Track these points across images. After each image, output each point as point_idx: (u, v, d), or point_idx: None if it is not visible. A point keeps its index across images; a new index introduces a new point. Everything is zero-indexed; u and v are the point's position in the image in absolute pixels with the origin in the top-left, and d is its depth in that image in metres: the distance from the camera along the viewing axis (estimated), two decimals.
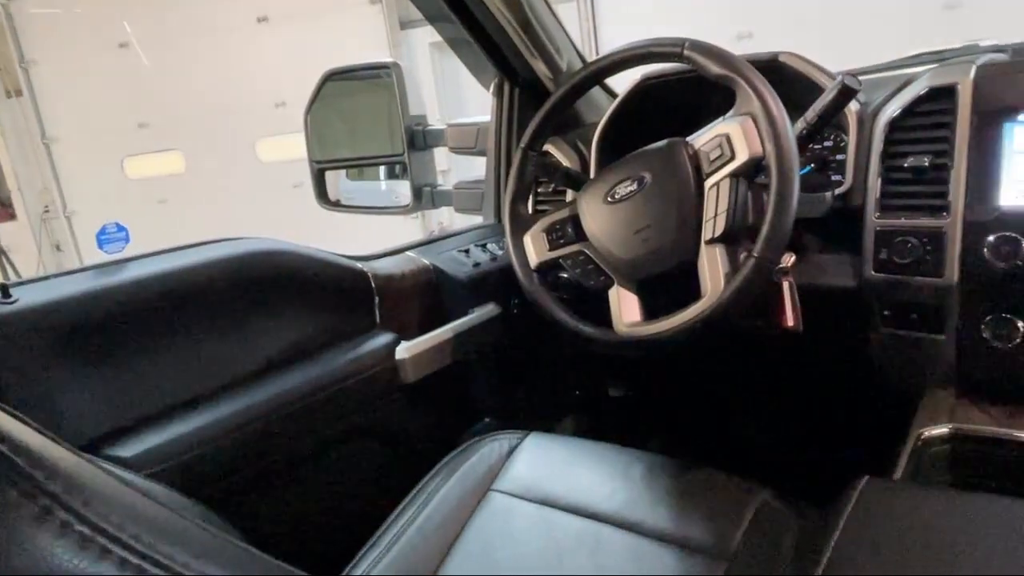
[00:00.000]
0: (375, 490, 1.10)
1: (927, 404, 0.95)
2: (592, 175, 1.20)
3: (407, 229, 4.25)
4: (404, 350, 1.10)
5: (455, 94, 4.15)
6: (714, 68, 0.85)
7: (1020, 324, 0.88)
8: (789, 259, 0.90)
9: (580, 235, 0.98)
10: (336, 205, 1.55)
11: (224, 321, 0.93)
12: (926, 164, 0.91)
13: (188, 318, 0.89)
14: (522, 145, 1.03)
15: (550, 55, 1.29)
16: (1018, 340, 0.88)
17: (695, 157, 0.89)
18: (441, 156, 1.59)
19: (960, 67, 0.93)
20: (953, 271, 0.90)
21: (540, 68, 1.31)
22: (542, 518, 0.89)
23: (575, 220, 0.99)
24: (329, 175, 1.54)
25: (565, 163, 1.23)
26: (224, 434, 0.87)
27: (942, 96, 0.92)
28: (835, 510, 0.62)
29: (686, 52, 0.88)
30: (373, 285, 1.12)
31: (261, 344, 0.96)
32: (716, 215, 0.84)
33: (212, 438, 0.85)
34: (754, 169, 0.84)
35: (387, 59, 1.50)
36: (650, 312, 0.91)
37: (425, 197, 1.46)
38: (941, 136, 0.92)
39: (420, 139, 1.44)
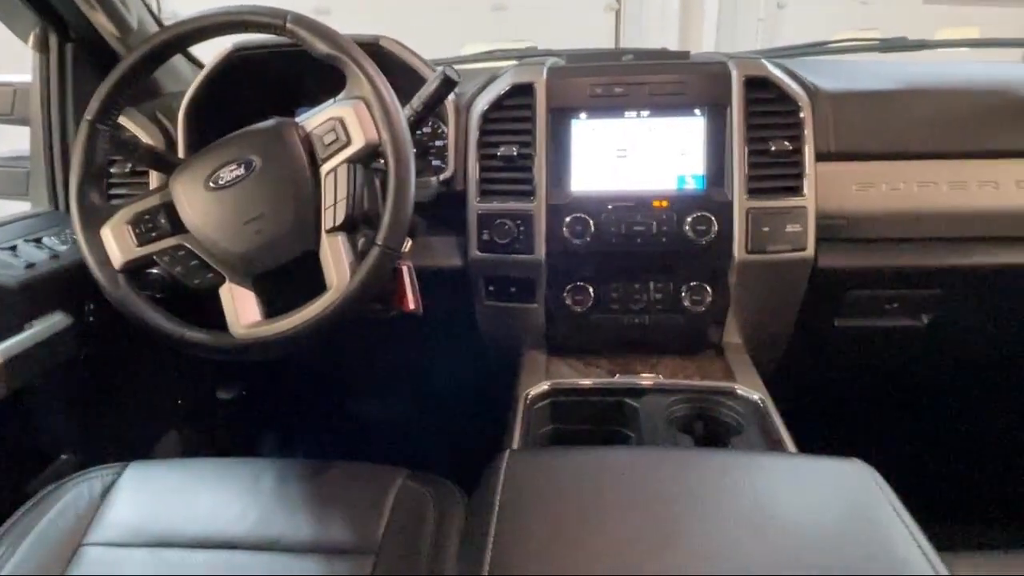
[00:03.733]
0: None
1: (527, 365, 1.07)
2: (182, 155, 1.04)
3: None
4: None
5: None
6: (321, 47, 0.80)
7: (591, 290, 1.06)
8: (407, 244, 0.92)
9: (177, 226, 0.84)
10: None
11: None
12: (515, 153, 1.02)
13: None
14: (88, 117, 0.84)
15: (113, 7, 1.07)
16: (590, 304, 1.06)
17: (307, 140, 0.83)
18: None
19: (535, 68, 1.06)
20: (541, 248, 1.03)
21: (100, 22, 1.07)
22: (157, 563, 0.75)
23: (169, 209, 0.84)
24: None
25: (146, 140, 1.05)
26: None
27: (523, 93, 1.03)
28: (488, 486, 0.65)
29: (289, 26, 0.81)
30: None
31: None
32: (336, 203, 0.80)
33: None
34: (370, 155, 0.82)
35: None
36: (271, 309, 0.83)
37: None
38: (525, 128, 1.03)
39: None
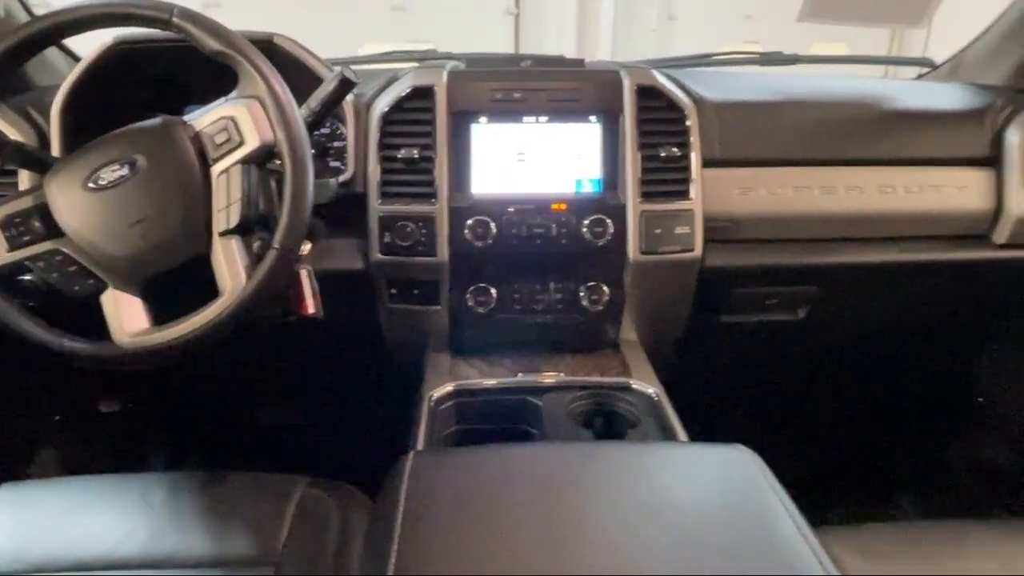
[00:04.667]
0: None
1: (431, 367, 1.07)
2: (56, 153, 0.97)
3: None
4: None
5: None
6: (212, 43, 0.78)
7: (493, 291, 1.07)
8: (306, 247, 0.90)
9: (52, 230, 0.79)
10: None
11: None
12: (416, 156, 1.02)
13: None
14: None
15: None
16: (493, 305, 1.07)
17: (197, 140, 0.80)
18: None
19: (435, 71, 1.06)
20: (444, 251, 1.03)
21: None
22: None
23: (43, 211, 0.79)
24: None
25: (15, 136, 0.97)
26: None
27: (423, 95, 1.04)
28: (392, 488, 0.65)
29: (175, 20, 0.78)
30: None
31: None
32: (229, 205, 0.78)
33: None
34: (265, 155, 0.80)
35: None
36: (160, 316, 0.80)
37: None
38: (426, 131, 1.03)
39: None
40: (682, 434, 0.87)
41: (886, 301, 1.29)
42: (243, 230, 0.79)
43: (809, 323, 1.25)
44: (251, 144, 0.78)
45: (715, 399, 1.39)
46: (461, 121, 1.04)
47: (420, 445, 0.87)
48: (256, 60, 0.78)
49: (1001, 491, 1.41)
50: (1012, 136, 1.14)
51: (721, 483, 0.64)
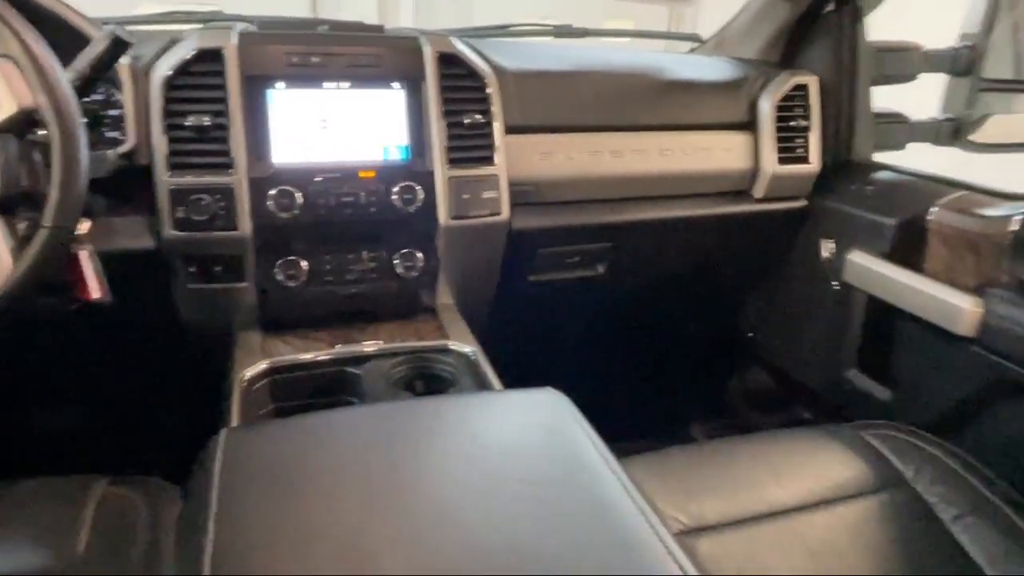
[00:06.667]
0: None
1: (241, 346, 1.03)
2: None
3: None
4: None
5: None
6: None
7: (304, 263, 1.04)
8: (84, 226, 0.81)
9: None
10: None
11: None
12: (207, 124, 0.96)
13: None
14: None
15: None
16: (304, 278, 1.04)
17: None
18: None
19: (223, 32, 0.99)
20: (246, 224, 0.98)
21: None
22: None
23: None
24: None
25: None
26: None
27: (211, 59, 0.97)
28: (205, 472, 0.62)
29: None
30: None
31: None
32: None
33: None
34: (24, 123, 0.71)
35: None
36: None
37: None
38: (217, 97, 0.97)
39: None
40: (498, 386, 0.92)
41: (671, 253, 1.44)
42: (4, 209, 0.70)
43: (608, 277, 1.36)
44: (7, 110, 0.68)
45: (530, 352, 1.47)
46: (256, 86, 0.99)
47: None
48: (5, 14, 0.69)
49: (765, 410, 1.65)
50: (764, 104, 1.32)
51: (533, 424, 0.69)
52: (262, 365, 0.96)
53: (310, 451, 0.64)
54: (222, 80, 0.97)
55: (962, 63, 1.38)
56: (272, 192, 0.98)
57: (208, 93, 0.97)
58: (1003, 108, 1.51)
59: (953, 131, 1.43)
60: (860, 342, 1.29)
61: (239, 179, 0.98)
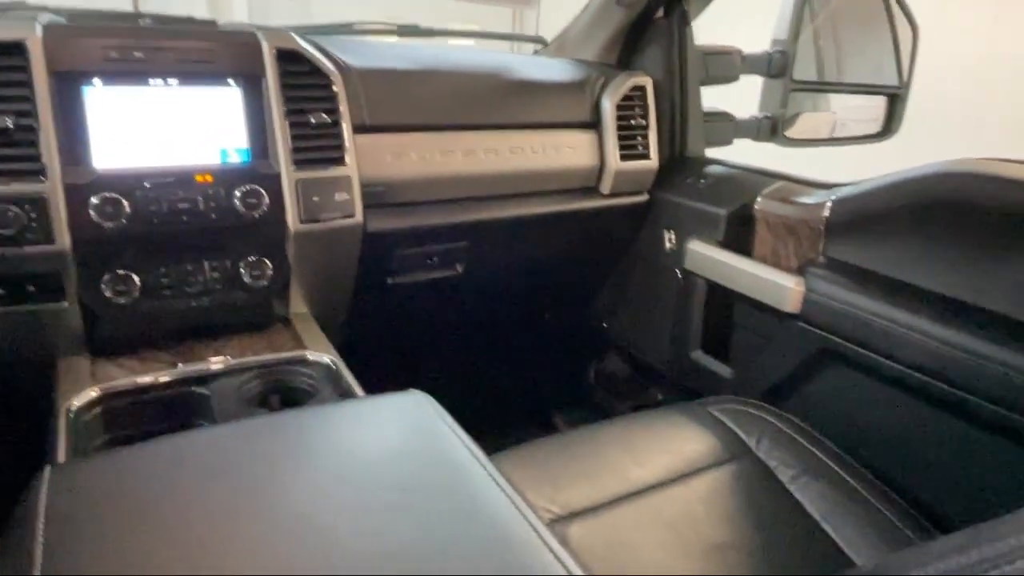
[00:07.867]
0: None
1: (65, 374, 0.92)
2: None
3: None
4: None
5: None
6: None
7: (136, 278, 0.95)
8: None
9: None
10: None
11: None
12: (10, 126, 0.85)
13: None
14: None
15: None
16: (137, 293, 0.95)
17: None
18: None
19: (24, 24, 0.88)
20: (64, 236, 0.88)
21: None
22: None
23: None
24: None
25: None
26: None
27: (12, 52, 0.86)
28: (26, 514, 0.54)
29: None
30: None
31: None
32: None
33: None
34: None
35: None
36: None
37: None
38: (21, 95, 0.86)
39: None
40: (360, 393, 0.89)
41: (527, 249, 1.47)
42: None
43: (467, 275, 1.36)
44: None
45: (392, 356, 1.44)
46: (68, 84, 0.89)
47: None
48: None
49: (621, 395, 1.73)
50: (606, 103, 1.38)
51: (399, 428, 0.67)
52: (91, 393, 0.87)
53: (153, 481, 0.58)
54: (26, 76, 0.86)
55: (776, 66, 1.52)
56: (94, 200, 0.89)
57: (10, 91, 0.86)
58: (810, 107, 1.68)
59: (771, 128, 1.57)
60: (703, 325, 1.39)
61: (53, 186, 0.87)
